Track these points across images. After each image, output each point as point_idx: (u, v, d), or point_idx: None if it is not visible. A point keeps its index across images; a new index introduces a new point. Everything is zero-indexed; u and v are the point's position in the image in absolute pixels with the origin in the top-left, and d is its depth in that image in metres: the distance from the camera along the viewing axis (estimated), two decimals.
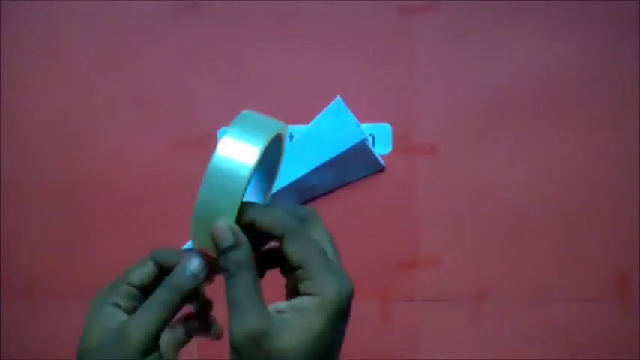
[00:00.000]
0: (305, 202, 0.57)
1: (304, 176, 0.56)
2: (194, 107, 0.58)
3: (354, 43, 0.57)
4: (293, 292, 0.29)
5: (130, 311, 0.31)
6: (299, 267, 0.28)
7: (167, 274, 0.31)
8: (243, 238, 0.29)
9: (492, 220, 0.56)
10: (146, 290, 0.32)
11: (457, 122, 0.56)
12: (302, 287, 0.28)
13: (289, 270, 0.29)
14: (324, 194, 0.57)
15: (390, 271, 0.57)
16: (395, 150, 0.57)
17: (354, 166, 0.56)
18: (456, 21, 0.56)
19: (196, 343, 0.55)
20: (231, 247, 0.28)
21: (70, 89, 0.59)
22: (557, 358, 0.55)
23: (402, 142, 0.57)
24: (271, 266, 0.32)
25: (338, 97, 0.56)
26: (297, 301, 0.28)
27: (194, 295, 0.32)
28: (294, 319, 0.27)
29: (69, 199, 0.58)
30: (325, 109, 0.56)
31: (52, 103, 0.59)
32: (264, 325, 0.27)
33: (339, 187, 0.57)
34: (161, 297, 0.30)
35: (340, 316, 0.28)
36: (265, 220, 0.29)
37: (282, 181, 0.56)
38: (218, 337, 0.35)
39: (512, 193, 0.56)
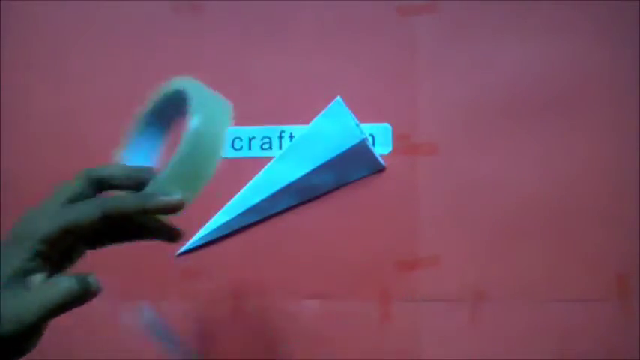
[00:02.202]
0: (305, 202, 0.57)
1: (304, 176, 0.56)
2: None
3: (354, 44, 0.57)
4: None
5: (53, 253, 0.32)
6: None
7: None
8: None
9: (493, 220, 0.56)
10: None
11: (457, 122, 0.56)
12: None
13: None
14: (324, 194, 0.57)
15: (390, 271, 0.57)
16: (395, 150, 0.57)
17: (354, 166, 0.56)
18: (456, 21, 0.56)
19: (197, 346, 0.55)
20: None
21: (69, 89, 0.59)
22: (557, 358, 0.55)
23: (402, 142, 0.57)
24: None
25: (338, 98, 0.56)
26: None
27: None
28: None
29: None
30: (325, 110, 0.56)
31: (52, 103, 0.59)
32: None
33: (339, 187, 0.57)
34: (43, 297, 0.31)
35: None
36: None
37: (282, 180, 0.56)
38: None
39: (512, 193, 0.56)
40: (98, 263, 0.58)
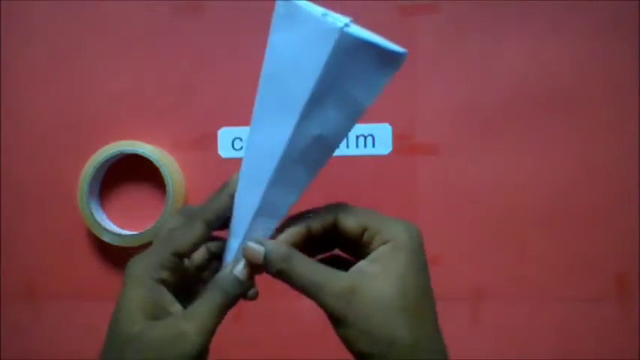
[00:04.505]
0: (321, 166, 0.34)
1: (295, 133, 0.32)
2: (194, 107, 0.58)
3: None
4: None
5: (172, 286, 0.31)
6: (364, 231, 0.30)
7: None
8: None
9: (492, 220, 0.56)
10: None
11: (457, 122, 0.56)
12: (374, 244, 0.30)
13: (354, 245, 0.31)
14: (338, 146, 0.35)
15: None
16: (395, 150, 0.57)
17: (359, 74, 0.32)
18: (456, 21, 0.56)
19: None
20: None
21: (70, 89, 0.59)
22: (557, 358, 0.55)
23: (402, 142, 0.57)
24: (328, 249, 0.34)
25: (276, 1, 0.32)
26: (374, 254, 0.30)
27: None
28: (375, 269, 0.29)
29: (69, 198, 0.58)
30: (273, 21, 0.33)
31: (52, 103, 0.59)
32: (350, 281, 0.29)
33: (361, 116, 0.35)
34: (214, 301, 0.30)
35: (416, 253, 0.31)
36: (319, 211, 0.31)
37: (277, 150, 0.33)
38: (254, 298, 0.35)
39: (512, 193, 0.56)
40: (99, 264, 0.59)
